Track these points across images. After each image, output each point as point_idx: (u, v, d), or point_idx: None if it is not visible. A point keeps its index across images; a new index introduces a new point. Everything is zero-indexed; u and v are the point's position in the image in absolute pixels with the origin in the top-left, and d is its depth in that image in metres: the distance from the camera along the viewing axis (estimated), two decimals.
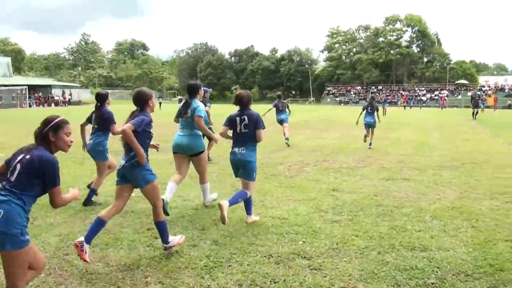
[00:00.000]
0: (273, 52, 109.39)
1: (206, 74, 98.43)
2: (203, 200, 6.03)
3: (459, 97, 68.07)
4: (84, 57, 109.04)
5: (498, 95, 70.97)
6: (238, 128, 5.14)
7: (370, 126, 12.50)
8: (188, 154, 5.75)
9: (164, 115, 16.22)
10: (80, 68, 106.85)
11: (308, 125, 21.64)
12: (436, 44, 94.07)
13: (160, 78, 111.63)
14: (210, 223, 5.21)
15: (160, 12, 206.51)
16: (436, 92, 75.55)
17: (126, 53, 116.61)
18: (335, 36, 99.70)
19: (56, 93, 63.28)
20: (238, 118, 5.16)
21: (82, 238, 3.85)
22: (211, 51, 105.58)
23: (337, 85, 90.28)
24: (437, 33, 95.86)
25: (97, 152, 6.05)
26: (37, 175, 2.84)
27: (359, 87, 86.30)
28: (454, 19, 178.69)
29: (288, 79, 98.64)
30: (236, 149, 5.18)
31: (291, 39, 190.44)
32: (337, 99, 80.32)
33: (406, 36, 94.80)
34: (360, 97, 80.00)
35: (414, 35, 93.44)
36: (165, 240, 4.20)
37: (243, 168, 5.18)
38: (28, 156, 2.87)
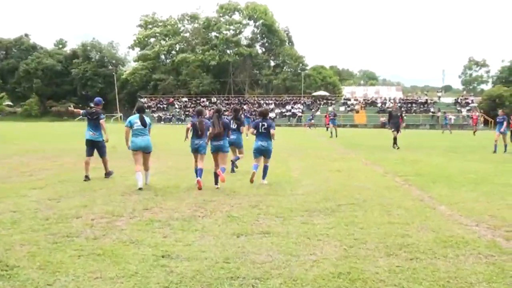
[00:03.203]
0: (60, 46, 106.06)
1: None
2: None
3: (318, 112, 73.50)
4: None
5: (368, 110, 78.58)
6: (260, 130, 12.64)
7: (233, 144, 14.80)
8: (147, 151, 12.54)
9: None
10: None
11: (118, 154, 20.78)
12: (287, 44, 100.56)
13: None
14: None
15: None
16: (288, 107, 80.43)
17: None
18: (149, 26, 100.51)
19: None
20: (260, 124, 12.66)
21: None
22: None
23: (154, 95, 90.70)
24: (287, 30, 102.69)
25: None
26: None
27: (185, 99, 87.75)
28: (308, 16, 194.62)
29: (84, 86, 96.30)
30: (259, 142, 12.69)
31: (86, 28, 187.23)
32: (155, 115, 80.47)
33: (248, 32, 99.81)
34: (187, 112, 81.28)
35: (258, 31, 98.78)
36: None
37: (266, 153, 12.82)
38: None
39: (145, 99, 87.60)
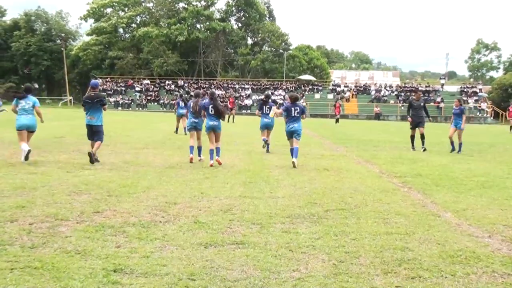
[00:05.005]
0: None
1: None
2: None
3: (302, 100, 73.71)
4: None
5: (360, 99, 78.96)
6: (293, 113, 17.02)
7: (267, 127, 21.66)
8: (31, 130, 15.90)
9: None
10: None
11: (65, 145, 20.56)
12: (268, 19, 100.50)
13: None
14: None
15: None
16: (268, 92, 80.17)
17: None
18: None
19: None
20: (292, 108, 17.06)
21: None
22: None
23: (111, 75, 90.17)
24: (268, 2, 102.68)
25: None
26: None
27: (147, 81, 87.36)
28: None
29: (27, 63, 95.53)
30: (291, 124, 17.04)
31: None
32: (112, 99, 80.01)
33: (221, 3, 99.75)
34: (149, 97, 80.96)
35: (234, 3, 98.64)
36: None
37: (297, 134, 16.97)
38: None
39: (100, 80, 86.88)
